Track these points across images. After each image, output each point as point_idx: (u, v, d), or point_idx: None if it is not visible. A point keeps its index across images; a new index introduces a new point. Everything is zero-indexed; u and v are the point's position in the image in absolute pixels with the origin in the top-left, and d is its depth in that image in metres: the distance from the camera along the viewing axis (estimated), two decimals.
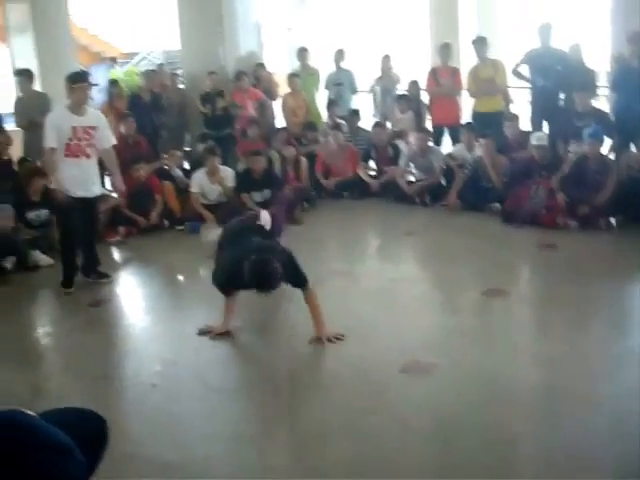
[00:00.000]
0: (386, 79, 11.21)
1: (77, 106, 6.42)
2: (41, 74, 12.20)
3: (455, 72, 10.02)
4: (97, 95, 12.00)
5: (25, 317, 6.28)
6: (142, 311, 6.38)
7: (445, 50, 10.19)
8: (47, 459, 1.02)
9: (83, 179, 6.49)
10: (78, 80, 6.54)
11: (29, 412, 1.04)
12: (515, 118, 9.06)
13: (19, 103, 9.81)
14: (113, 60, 18.72)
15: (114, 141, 6.90)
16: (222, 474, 3.54)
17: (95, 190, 6.71)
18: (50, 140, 6.38)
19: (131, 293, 6.94)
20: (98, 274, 6.81)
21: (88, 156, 6.48)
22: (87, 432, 1.15)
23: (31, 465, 0.99)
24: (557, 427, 3.71)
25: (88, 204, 6.62)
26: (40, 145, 9.11)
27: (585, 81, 8.71)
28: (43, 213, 7.94)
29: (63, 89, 9.24)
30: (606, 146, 8.22)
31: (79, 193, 6.46)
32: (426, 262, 7.24)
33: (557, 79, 8.97)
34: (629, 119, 8.25)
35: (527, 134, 8.89)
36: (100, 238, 8.09)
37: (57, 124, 6.37)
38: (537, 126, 9.20)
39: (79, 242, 6.80)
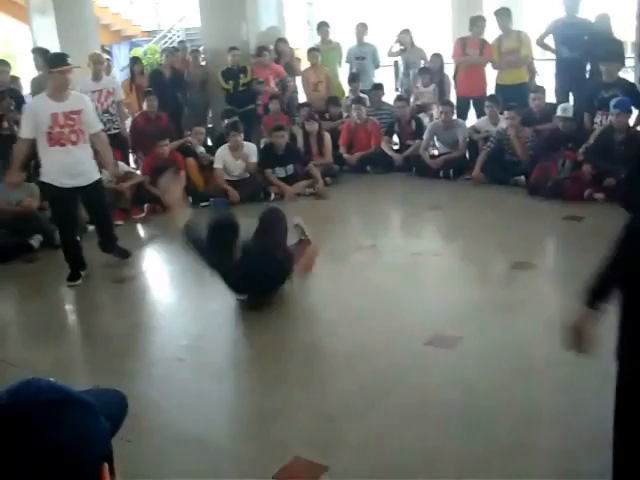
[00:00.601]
0: (409, 53, 11.09)
1: (57, 92, 5.99)
2: None
3: (484, 44, 9.86)
4: (119, 73, 12.06)
5: (52, 294, 6.34)
6: (167, 287, 6.42)
7: (479, 22, 9.98)
8: (80, 415, 1.05)
9: (72, 168, 6.04)
10: (57, 63, 6.04)
11: (51, 379, 1.06)
12: (541, 90, 8.94)
13: (35, 82, 9.83)
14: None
15: (100, 126, 6.54)
16: (246, 449, 3.56)
17: (90, 177, 6.21)
18: (24, 131, 6.06)
19: (156, 270, 6.97)
20: (118, 251, 6.73)
21: (74, 143, 6.02)
22: (107, 404, 1.17)
23: (66, 419, 1.02)
24: (583, 401, 3.68)
25: (85, 192, 6.22)
26: None
27: (612, 51, 8.55)
28: None
29: (85, 69, 9.31)
30: (633, 117, 8.09)
31: (69, 183, 6.05)
32: (450, 236, 7.20)
33: (583, 49, 8.82)
34: None
35: (553, 106, 8.79)
36: (125, 215, 8.17)
37: (34, 113, 5.98)
38: (562, 98, 9.07)
39: (96, 224, 6.77)
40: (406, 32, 11.07)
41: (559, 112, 8.05)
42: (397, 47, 11.00)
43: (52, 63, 6.14)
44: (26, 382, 1.04)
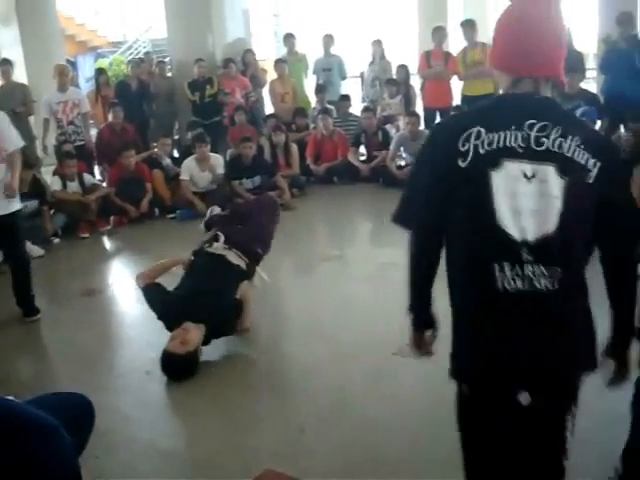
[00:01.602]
0: (377, 64, 11.18)
1: None
2: (26, 64, 12.15)
3: (448, 56, 9.97)
4: (85, 84, 12.00)
5: (16, 308, 6.26)
6: (135, 300, 6.36)
7: (439, 33, 10.12)
8: (32, 440, 1.03)
9: None
10: None
11: (10, 397, 1.04)
12: None
13: None
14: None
15: (21, 143, 5.50)
16: (217, 461, 3.55)
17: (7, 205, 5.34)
18: None
19: (123, 282, 6.91)
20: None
21: None
22: (73, 414, 1.16)
23: (18, 448, 1.00)
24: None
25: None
26: (22, 135, 9.08)
27: (574, 63, 8.69)
28: (31, 204, 7.90)
29: (49, 79, 9.25)
30: (596, 128, 8.22)
31: None
32: None
33: None
34: (618, 101, 8.25)
35: None
36: (91, 228, 8.10)
37: None
38: None
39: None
40: (377, 43, 11.17)
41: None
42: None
43: None
44: None
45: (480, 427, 2.20)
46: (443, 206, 2.06)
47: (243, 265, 5.07)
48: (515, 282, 1.97)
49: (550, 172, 1.95)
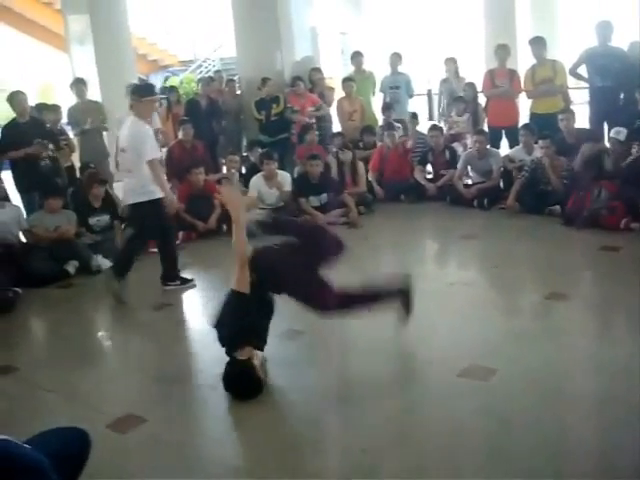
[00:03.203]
0: (450, 82, 11.13)
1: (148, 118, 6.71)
2: (100, 82, 12.49)
3: (513, 74, 9.89)
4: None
5: (88, 320, 6.42)
6: (202, 315, 6.44)
7: (502, 51, 10.05)
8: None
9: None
10: (147, 94, 6.72)
11: (3, 437, 1.06)
12: (570, 112, 8.89)
13: (74, 110, 10.05)
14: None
15: (157, 154, 6.78)
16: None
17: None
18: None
19: (191, 297, 7.01)
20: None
21: None
22: (66, 450, 1.18)
23: None
24: (616, 433, 3.62)
25: None
26: (96, 150, 9.39)
27: None
28: (104, 219, 8.14)
29: (122, 97, 9.48)
30: None
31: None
32: (485, 266, 7.16)
33: (616, 78, 8.79)
34: None
35: (586, 132, 8.77)
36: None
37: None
38: (597, 127, 9.04)
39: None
40: (452, 60, 11.12)
41: (613, 133, 8.02)
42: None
43: (143, 93, 6.70)
44: None
45: None
46: None
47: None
48: None
49: None
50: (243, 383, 4.34)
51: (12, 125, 8.63)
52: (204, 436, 4.07)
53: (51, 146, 8.57)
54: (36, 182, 8.45)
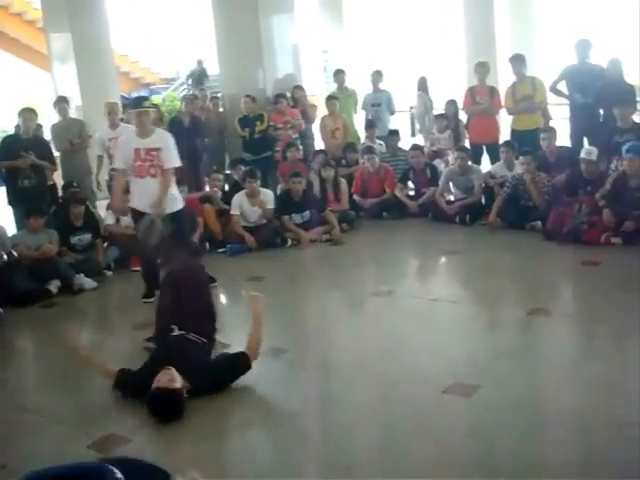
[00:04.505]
0: (422, 100, 11.25)
1: (139, 129, 6.75)
2: (83, 100, 12.48)
3: (493, 91, 9.98)
4: None
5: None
6: None
7: (481, 68, 10.13)
8: None
9: (150, 197, 6.62)
10: (133, 106, 6.99)
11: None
12: (551, 130, 8.97)
13: (56, 128, 10.05)
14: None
15: (178, 163, 6.96)
16: None
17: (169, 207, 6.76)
18: (117, 162, 6.93)
19: None
20: None
21: (153, 176, 6.69)
22: None
23: None
24: (601, 454, 3.64)
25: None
26: (79, 168, 9.43)
27: (625, 96, 8.62)
28: (85, 237, 8.11)
29: (104, 115, 9.49)
30: None
31: (148, 210, 6.63)
32: (468, 282, 7.19)
33: (596, 95, 8.89)
34: None
35: (568, 150, 8.84)
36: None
37: (122, 147, 6.89)
38: (577, 143, 9.13)
39: None
40: (423, 79, 11.26)
41: (583, 154, 7.99)
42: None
43: (130, 105, 7.17)
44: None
45: None
46: None
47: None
48: None
49: None
50: (180, 404, 4.39)
51: (13, 137, 8.76)
52: (187, 458, 4.05)
53: (32, 161, 8.57)
54: (16, 199, 8.67)
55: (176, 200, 6.89)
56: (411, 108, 12.42)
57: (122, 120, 9.61)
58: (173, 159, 6.84)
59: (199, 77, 21.05)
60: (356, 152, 10.46)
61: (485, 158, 10.10)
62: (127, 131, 7.22)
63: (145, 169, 6.65)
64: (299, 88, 11.15)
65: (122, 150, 6.84)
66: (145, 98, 7.65)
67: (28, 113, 8.83)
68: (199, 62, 21.68)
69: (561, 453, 3.69)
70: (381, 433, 4.06)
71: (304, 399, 4.65)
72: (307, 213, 8.88)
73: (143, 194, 6.68)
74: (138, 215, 6.69)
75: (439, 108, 11.82)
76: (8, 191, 8.81)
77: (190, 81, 21.83)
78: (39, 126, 10.02)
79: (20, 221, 8.52)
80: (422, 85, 11.43)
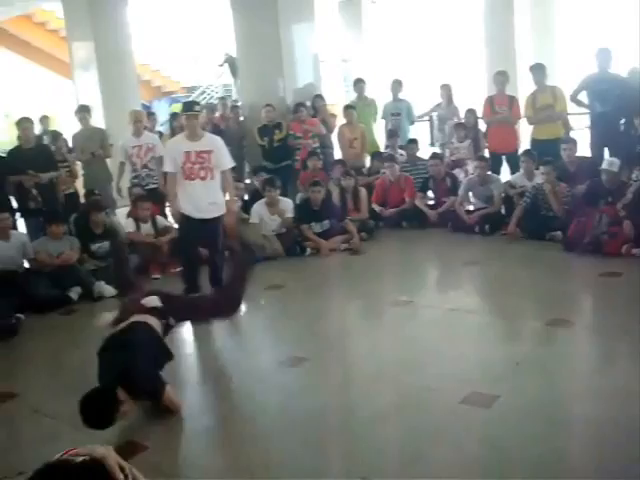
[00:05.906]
0: (444, 108, 11.23)
1: (189, 133, 6.90)
2: (104, 109, 12.59)
3: (512, 100, 9.96)
4: (159, 127, 12.34)
5: (90, 347, 6.38)
6: (201, 338, 6.43)
7: (500, 77, 10.12)
8: None
9: (200, 200, 6.84)
10: (184, 110, 7.12)
11: None
12: (572, 141, 8.92)
13: (78, 137, 10.12)
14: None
15: (232, 164, 7.17)
16: None
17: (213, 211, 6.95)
18: (166, 166, 7.01)
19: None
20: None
21: (203, 178, 6.83)
22: None
23: None
24: (620, 466, 3.60)
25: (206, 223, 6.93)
26: (99, 176, 9.49)
27: None
28: (105, 245, 8.15)
29: (126, 123, 9.56)
30: None
31: (196, 215, 6.87)
32: (487, 292, 7.17)
33: (616, 104, 8.85)
34: None
35: (589, 160, 8.79)
36: (164, 269, 8.26)
37: (170, 150, 7.05)
38: (598, 152, 9.07)
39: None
40: (445, 87, 11.22)
41: (605, 165, 7.92)
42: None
43: (182, 109, 7.31)
44: None
45: None
46: None
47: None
48: None
49: None
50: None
51: (15, 151, 8.81)
52: (202, 466, 4.06)
53: (38, 180, 8.63)
54: (26, 217, 8.84)
55: (222, 206, 7.05)
56: (430, 118, 12.36)
57: (145, 128, 9.68)
58: (228, 160, 7.05)
59: (233, 66, 20.79)
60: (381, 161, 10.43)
61: (505, 168, 10.07)
62: (174, 137, 7.54)
63: (195, 172, 6.79)
64: (319, 97, 11.18)
65: (171, 153, 6.95)
66: (196, 103, 7.82)
67: (25, 122, 8.84)
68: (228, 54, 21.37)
69: (579, 464, 3.67)
70: (398, 442, 4.05)
71: (324, 407, 4.65)
72: (326, 222, 8.88)
73: (191, 197, 6.86)
74: (184, 220, 6.92)
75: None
76: (19, 208, 8.81)
77: (226, 67, 21.56)
78: (57, 134, 10.12)
79: (32, 233, 8.53)
80: (446, 93, 11.38)
